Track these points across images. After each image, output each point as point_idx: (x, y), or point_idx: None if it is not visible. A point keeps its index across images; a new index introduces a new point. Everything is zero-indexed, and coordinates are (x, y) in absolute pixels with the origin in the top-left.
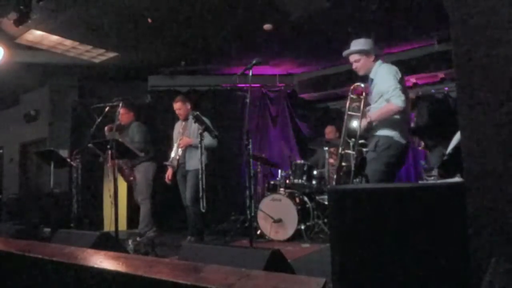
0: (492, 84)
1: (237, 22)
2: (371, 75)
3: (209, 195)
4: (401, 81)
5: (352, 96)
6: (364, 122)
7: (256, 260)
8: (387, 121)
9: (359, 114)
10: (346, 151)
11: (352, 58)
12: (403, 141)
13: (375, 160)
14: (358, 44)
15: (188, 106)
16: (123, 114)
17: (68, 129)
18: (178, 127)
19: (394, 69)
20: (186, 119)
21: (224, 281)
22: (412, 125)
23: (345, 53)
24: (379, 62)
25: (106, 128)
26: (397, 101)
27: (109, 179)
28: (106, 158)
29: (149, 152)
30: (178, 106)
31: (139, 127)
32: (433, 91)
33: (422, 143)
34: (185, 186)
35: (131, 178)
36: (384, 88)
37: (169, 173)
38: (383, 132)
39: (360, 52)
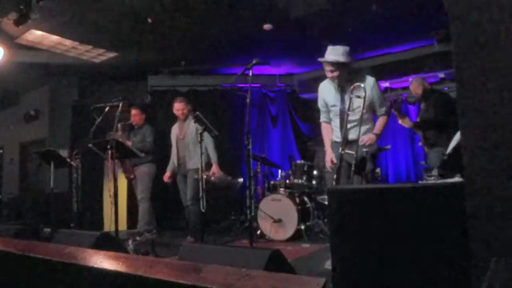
0: (492, 83)
1: (237, 22)
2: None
3: (209, 195)
4: None
5: (352, 96)
6: (374, 138)
7: (256, 260)
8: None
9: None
10: (346, 151)
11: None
12: None
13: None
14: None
15: (190, 107)
16: (135, 115)
17: (68, 129)
18: (176, 128)
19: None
20: (185, 120)
21: (224, 281)
22: (418, 119)
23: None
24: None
25: (119, 125)
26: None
27: (109, 179)
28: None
29: (154, 154)
30: (181, 106)
31: (152, 129)
32: None
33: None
34: (185, 186)
35: (132, 176)
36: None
37: (167, 174)
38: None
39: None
